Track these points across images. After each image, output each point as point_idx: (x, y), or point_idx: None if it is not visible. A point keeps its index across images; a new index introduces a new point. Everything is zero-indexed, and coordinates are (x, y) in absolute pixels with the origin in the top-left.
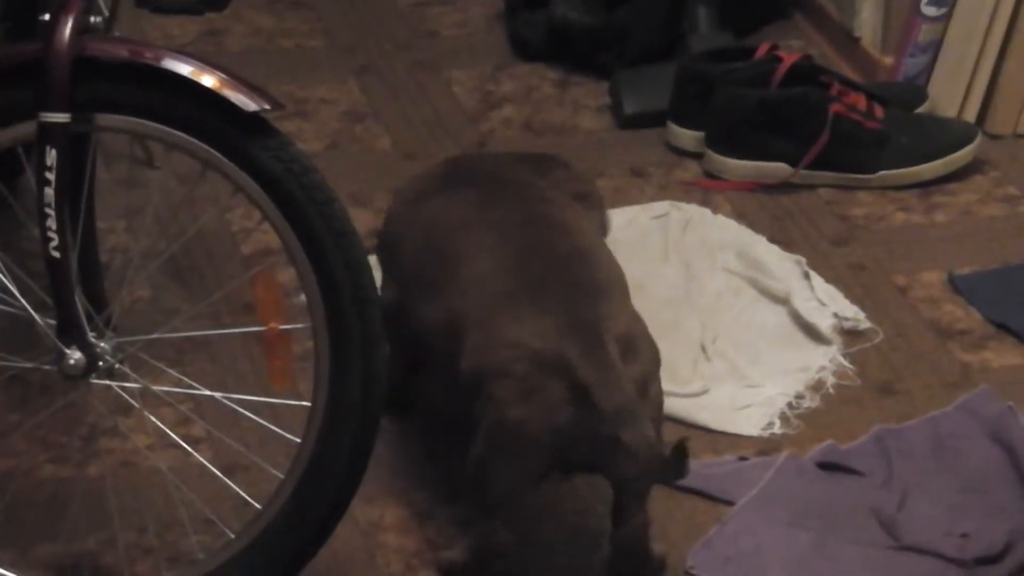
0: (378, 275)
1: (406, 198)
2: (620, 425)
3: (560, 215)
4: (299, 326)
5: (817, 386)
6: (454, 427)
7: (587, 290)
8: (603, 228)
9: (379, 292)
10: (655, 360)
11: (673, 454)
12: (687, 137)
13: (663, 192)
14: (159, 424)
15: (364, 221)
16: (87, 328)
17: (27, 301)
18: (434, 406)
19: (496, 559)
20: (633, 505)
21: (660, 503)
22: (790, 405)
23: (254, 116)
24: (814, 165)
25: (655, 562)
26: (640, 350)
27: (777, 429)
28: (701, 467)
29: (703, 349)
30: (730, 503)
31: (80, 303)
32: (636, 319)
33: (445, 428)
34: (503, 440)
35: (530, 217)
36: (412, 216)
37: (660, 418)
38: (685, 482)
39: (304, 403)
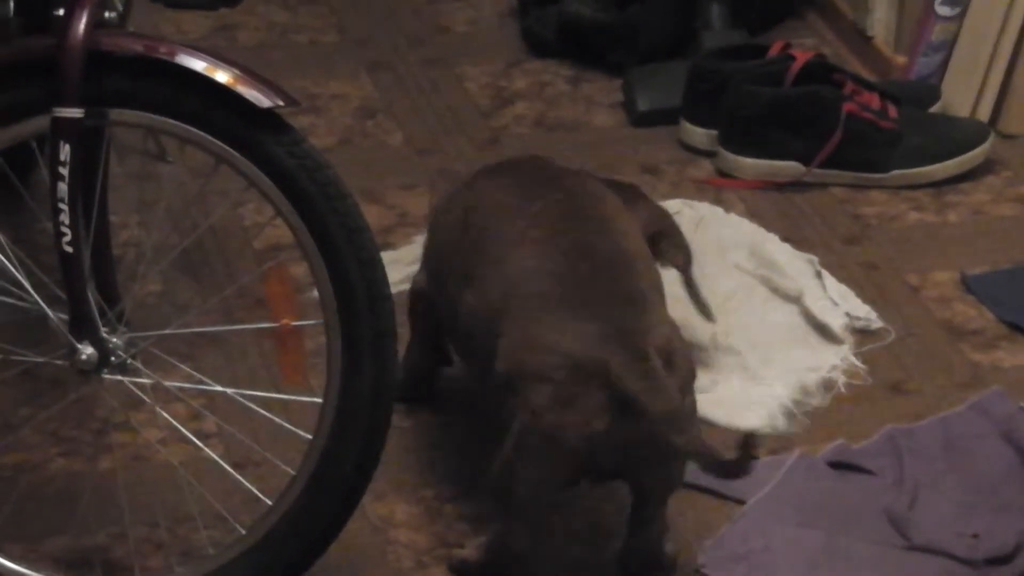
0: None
1: (452, 182)
2: (675, 430)
3: (605, 211)
4: (311, 322)
5: (828, 385)
6: (481, 422)
7: (630, 299)
8: (686, 257)
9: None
10: (692, 371)
11: (742, 449)
12: (700, 135)
13: (675, 190)
14: (171, 419)
15: (376, 216)
16: (99, 323)
17: (40, 296)
18: (460, 399)
19: (511, 559)
20: (655, 511)
21: (671, 502)
22: (799, 403)
23: (267, 112)
24: (827, 164)
25: (667, 562)
26: (678, 362)
27: (785, 427)
28: None
29: (714, 339)
30: (741, 502)
31: (93, 298)
32: (674, 329)
33: (469, 423)
34: (535, 445)
35: (575, 212)
36: (453, 201)
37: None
38: (696, 481)
39: (316, 399)
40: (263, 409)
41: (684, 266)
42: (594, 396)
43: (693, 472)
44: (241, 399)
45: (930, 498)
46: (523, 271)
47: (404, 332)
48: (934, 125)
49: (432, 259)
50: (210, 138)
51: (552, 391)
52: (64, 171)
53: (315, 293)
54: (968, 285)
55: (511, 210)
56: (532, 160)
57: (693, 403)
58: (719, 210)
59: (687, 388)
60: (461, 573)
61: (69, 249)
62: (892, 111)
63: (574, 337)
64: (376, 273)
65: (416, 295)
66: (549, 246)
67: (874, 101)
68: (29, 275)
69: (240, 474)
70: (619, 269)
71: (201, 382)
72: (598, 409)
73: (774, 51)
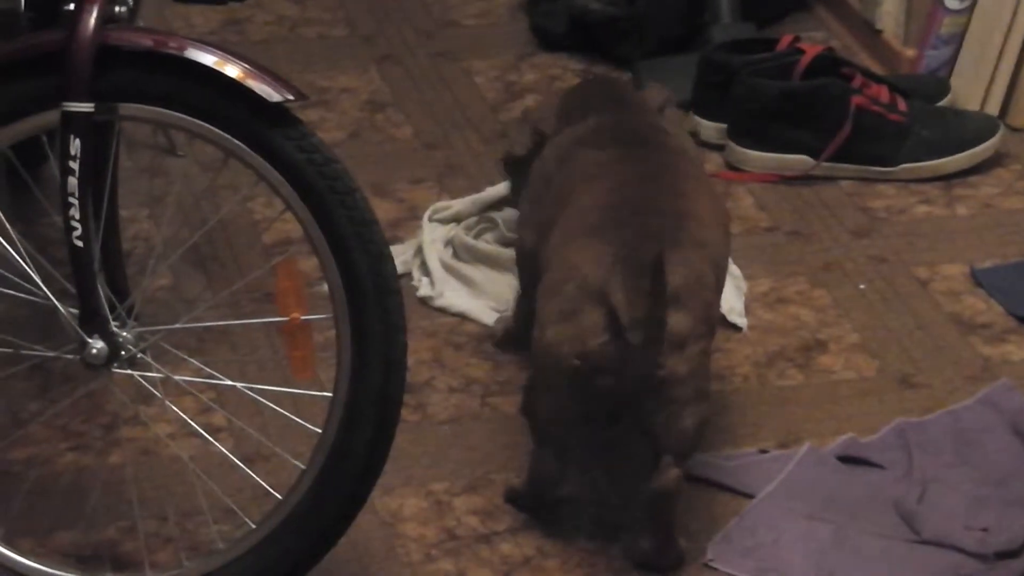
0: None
1: (558, 147)
2: (650, 344)
3: (679, 173)
4: (320, 316)
5: None
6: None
7: (661, 238)
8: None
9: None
10: (708, 322)
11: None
12: (709, 128)
13: None
14: (180, 413)
15: (385, 210)
16: (109, 317)
17: (50, 290)
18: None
19: (542, 482)
20: (664, 458)
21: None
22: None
23: (277, 106)
24: (836, 157)
25: (676, 553)
26: (690, 308)
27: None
28: (721, 459)
29: None
30: (750, 496)
31: (102, 292)
32: (703, 284)
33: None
34: (540, 360)
35: (650, 174)
36: (556, 168)
37: (702, 389)
38: (705, 474)
39: (325, 393)
40: (273, 403)
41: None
42: (592, 314)
43: (702, 466)
44: (251, 393)
45: (939, 492)
46: (579, 208)
47: (412, 326)
48: (943, 119)
49: (534, 212)
50: (219, 132)
51: (558, 305)
52: (74, 165)
53: (324, 287)
54: (977, 278)
55: (592, 176)
56: (630, 112)
57: (699, 356)
58: None
59: (691, 339)
60: (512, 501)
61: (79, 243)
62: (901, 104)
63: (591, 258)
64: (385, 267)
65: (522, 250)
66: (612, 194)
67: (883, 94)
68: (39, 269)
69: (250, 468)
70: (668, 218)
71: (211, 376)
72: (595, 327)
73: (783, 44)
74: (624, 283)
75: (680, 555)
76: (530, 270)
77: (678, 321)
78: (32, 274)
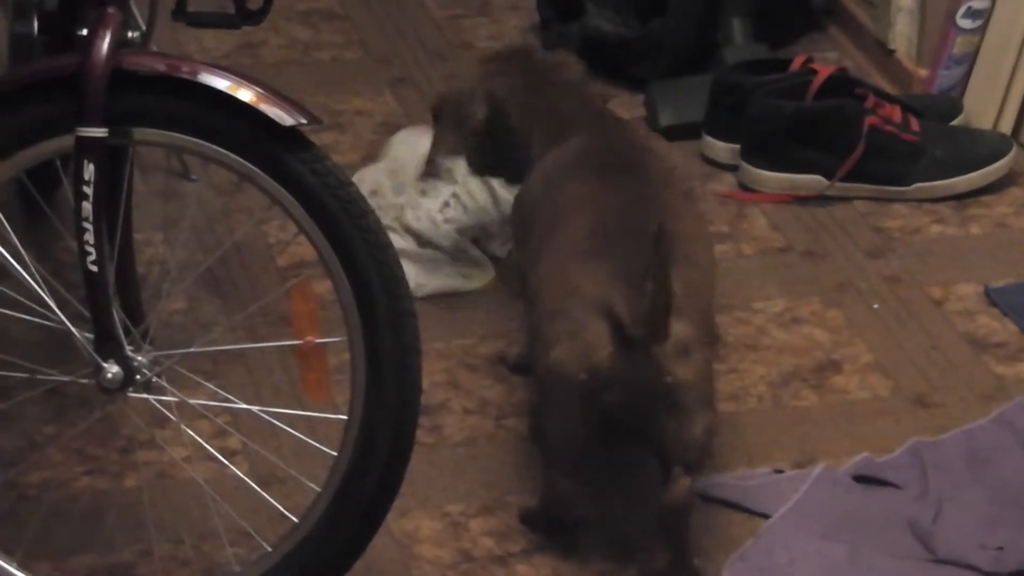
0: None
1: (545, 173)
2: (655, 339)
3: (668, 199)
4: (335, 339)
5: None
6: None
7: (655, 254)
8: None
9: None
10: (707, 337)
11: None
12: (722, 149)
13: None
14: (196, 437)
15: None
16: (124, 342)
17: (64, 314)
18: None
19: (557, 503)
20: (674, 469)
21: (694, 516)
22: None
23: (290, 129)
24: (849, 177)
25: (691, 573)
26: (691, 317)
27: None
28: (736, 480)
29: None
30: (765, 516)
31: (117, 316)
32: (700, 297)
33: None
34: (548, 381)
35: (638, 197)
36: (544, 195)
37: (708, 397)
38: (720, 495)
39: (340, 416)
40: (288, 426)
41: None
42: (596, 327)
43: (717, 487)
44: (266, 416)
45: (954, 511)
46: (569, 235)
47: (427, 348)
48: (956, 138)
49: (524, 239)
50: (233, 156)
51: (562, 325)
52: (88, 190)
53: (339, 310)
54: (991, 297)
55: (582, 203)
56: (616, 132)
57: (702, 363)
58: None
59: (693, 346)
60: (528, 522)
61: (94, 268)
62: (914, 124)
63: (590, 277)
64: (399, 289)
65: (519, 276)
66: (600, 219)
67: (896, 114)
68: (54, 293)
69: (265, 491)
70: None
71: (226, 400)
72: (600, 340)
73: (796, 65)
74: (625, 294)
75: (696, 575)
76: (526, 295)
77: (680, 329)
78: (47, 298)
